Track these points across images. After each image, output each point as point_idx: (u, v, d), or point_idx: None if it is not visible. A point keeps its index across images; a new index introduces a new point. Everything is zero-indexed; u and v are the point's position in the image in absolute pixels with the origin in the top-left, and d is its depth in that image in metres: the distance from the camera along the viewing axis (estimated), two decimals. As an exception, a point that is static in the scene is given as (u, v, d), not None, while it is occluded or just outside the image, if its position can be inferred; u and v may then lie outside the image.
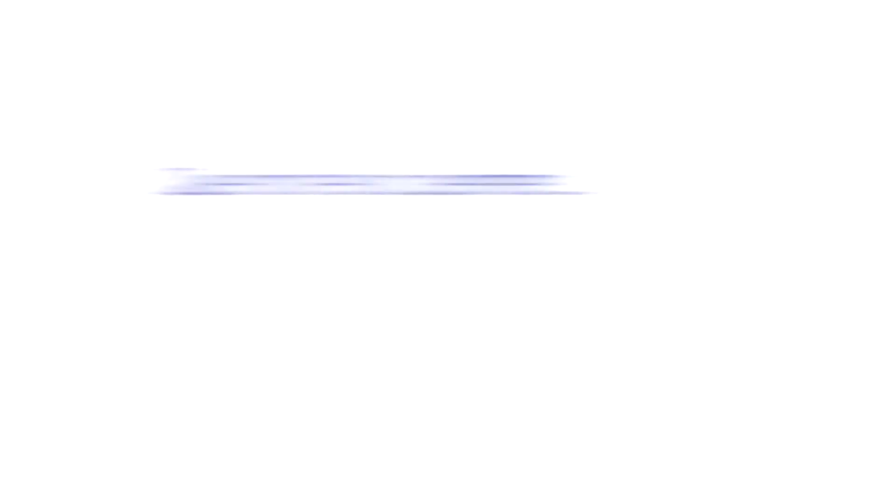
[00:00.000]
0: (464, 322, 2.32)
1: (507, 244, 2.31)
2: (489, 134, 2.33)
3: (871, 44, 2.31)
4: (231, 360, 2.31)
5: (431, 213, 2.32)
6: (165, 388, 2.31)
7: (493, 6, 2.32)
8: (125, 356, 2.31)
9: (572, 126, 2.32)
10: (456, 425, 2.32)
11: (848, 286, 2.31)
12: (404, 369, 2.32)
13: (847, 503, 2.30)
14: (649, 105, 2.32)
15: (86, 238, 2.30)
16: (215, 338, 2.32)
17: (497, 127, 2.33)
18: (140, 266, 2.31)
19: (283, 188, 2.29)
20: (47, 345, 2.31)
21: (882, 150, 2.31)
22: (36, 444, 2.31)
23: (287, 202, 2.31)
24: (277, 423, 2.31)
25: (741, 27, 2.32)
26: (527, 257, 2.31)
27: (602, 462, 2.32)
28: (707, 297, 2.32)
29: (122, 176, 2.31)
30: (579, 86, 2.32)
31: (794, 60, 2.32)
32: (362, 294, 2.32)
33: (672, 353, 2.32)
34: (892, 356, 2.30)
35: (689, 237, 2.32)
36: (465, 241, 2.32)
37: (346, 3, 2.33)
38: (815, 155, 2.32)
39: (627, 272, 2.32)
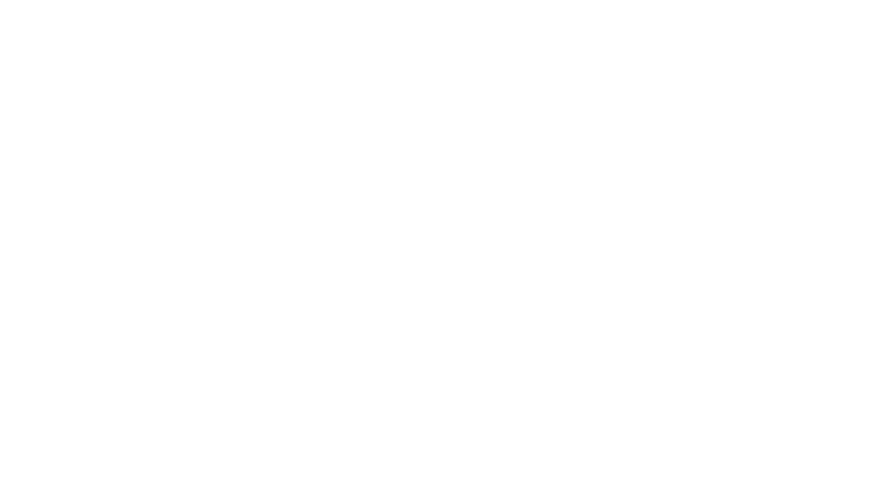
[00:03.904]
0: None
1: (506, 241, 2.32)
2: (488, 132, 2.34)
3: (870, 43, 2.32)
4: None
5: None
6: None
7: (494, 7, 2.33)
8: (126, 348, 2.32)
9: (570, 124, 2.33)
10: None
11: (848, 286, 2.32)
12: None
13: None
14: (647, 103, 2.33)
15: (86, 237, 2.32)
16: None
17: (496, 125, 2.34)
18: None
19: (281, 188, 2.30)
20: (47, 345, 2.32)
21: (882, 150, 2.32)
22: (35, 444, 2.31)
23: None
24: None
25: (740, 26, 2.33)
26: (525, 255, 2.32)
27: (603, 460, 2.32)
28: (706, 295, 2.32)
29: (122, 175, 2.32)
30: (578, 85, 2.33)
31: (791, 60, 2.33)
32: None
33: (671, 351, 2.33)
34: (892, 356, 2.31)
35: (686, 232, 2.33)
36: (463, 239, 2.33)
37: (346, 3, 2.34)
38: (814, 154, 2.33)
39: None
